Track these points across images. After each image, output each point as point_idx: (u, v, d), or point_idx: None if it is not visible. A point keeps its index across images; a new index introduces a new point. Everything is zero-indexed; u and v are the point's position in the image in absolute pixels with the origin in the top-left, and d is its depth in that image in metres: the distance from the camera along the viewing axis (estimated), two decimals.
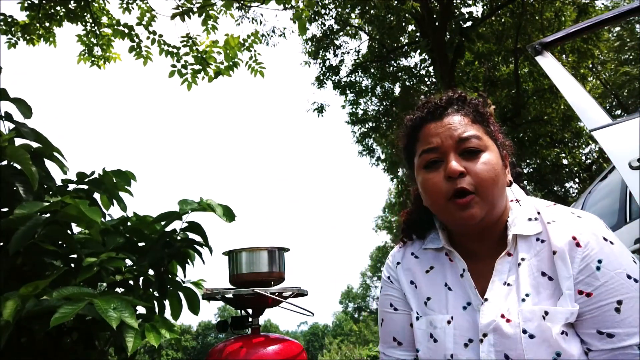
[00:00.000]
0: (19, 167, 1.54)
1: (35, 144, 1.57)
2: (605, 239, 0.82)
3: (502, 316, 0.83)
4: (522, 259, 0.86)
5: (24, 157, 1.40)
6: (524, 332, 0.80)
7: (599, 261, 0.80)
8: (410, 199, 1.07)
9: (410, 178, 0.99)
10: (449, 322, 0.89)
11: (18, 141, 1.52)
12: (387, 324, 1.02)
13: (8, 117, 1.52)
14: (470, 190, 0.83)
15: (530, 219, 0.89)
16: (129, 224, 1.77)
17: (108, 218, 1.80)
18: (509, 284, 0.86)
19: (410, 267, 1.00)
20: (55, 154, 1.61)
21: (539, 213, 0.89)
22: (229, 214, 1.68)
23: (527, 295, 0.83)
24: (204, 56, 4.27)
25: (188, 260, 1.79)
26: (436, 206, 0.88)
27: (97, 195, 1.76)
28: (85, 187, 1.71)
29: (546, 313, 0.81)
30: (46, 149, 1.58)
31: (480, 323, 0.85)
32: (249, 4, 4.14)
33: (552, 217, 0.88)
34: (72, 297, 1.28)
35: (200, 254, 1.79)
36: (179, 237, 1.74)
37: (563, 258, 0.82)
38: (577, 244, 0.82)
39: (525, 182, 1.17)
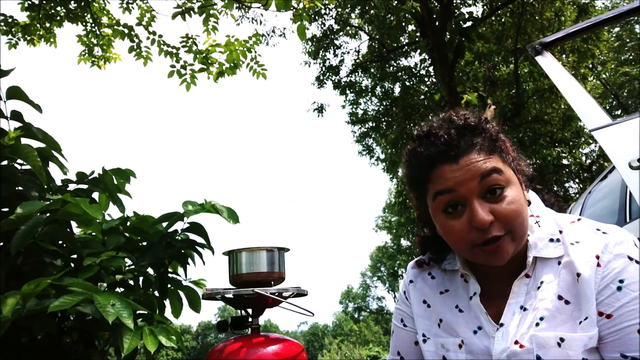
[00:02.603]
0: (19, 167, 1.55)
1: (37, 144, 1.57)
2: (630, 258, 0.77)
3: (516, 342, 0.80)
4: (542, 282, 0.82)
5: (32, 154, 1.40)
6: (538, 358, 0.77)
7: (621, 281, 0.76)
8: (420, 224, 0.99)
9: (417, 206, 0.92)
10: (460, 345, 0.87)
11: (22, 140, 1.52)
12: (395, 337, 1.04)
13: (18, 116, 1.52)
14: (501, 234, 0.78)
15: (552, 240, 0.84)
16: (128, 223, 1.77)
17: (107, 218, 1.80)
18: (525, 308, 0.82)
19: (425, 287, 0.98)
20: (56, 154, 1.61)
21: (560, 232, 0.84)
22: (233, 216, 1.67)
23: (541, 319, 0.79)
24: (207, 55, 4.27)
25: (189, 260, 1.79)
26: (461, 251, 0.84)
27: (95, 195, 1.76)
28: (85, 187, 1.71)
29: (562, 340, 0.77)
30: (48, 150, 1.58)
31: (494, 349, 0.82)
32: (248, 4, 4.13)
33: (575, 236, 0.82)
34: (72, 286, 1.28)
35: (200, 255, 1.79)
36: (180, 238, 1.74)
37: (588, 281, 0.77)
38: (598, 264, 0.77)
39: (536, 183, 1.08)
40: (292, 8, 3.26)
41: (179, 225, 1.73)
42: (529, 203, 0.87)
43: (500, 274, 0.87)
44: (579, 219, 0.86)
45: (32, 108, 1.58)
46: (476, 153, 0.80)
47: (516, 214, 0.78)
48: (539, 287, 0.82)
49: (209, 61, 4.30)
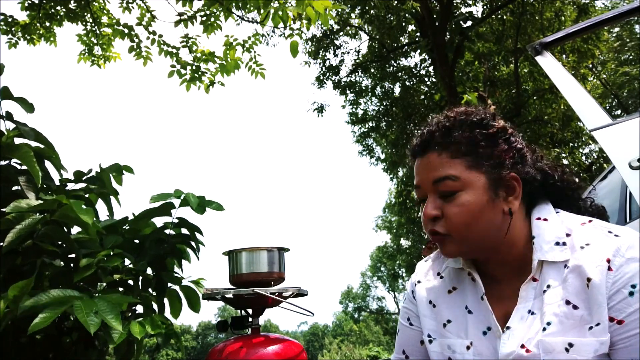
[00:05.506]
0: (19, 166, 1.55)
1: (34, 144, 1.57)
2: None
3: (522, 346, 0.79)
4: (548, 286, 0.81)
5: (28, 154, 1.40)
6: None
7: (633, 286, 0.74)
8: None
9: None
10: (468, 347, 0.86)
11: (17, 140, 1.52)
12: (401, 336, 1.03)
13: (8, 116, 1.52)
14: (442, 232, 0.84)
15: (557, 243, 0.82)
16: (127, 226, 1.77)
17: (106, 218, 1.80)
18: (533, 312, 0.81)
19: (432, 286, 0.98)
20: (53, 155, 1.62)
21: (568, 235, 0.83)
22: (198, 205, 1.66)
23: (548, 324, 0.78)
24: (199, 64, 4.29)
25: (184, 257, 1.79)
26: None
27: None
28: (84, 185, 1.71)
29: (570, 345, 0.76)
30: (46, 150, 1.58)
31: (501, 352, 0.81)
32: (247, 19, 4.17)
33: (586, 239, 0.81)
34: (57, 300, 1.27)
35: (194, 250, 1.78)
36: (172, 233, 1.74)
37: (599, 286, 0.75)
38: (609, 268, 0.76)
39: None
40: (288, 24, 3.26)
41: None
42: (511, 213, 0.84)
43: (504, 273, 0.87)
44: (590, 221, 0.84)
45: (34, 107, 1.58)
46: (437, 153, 0.86)
47: (459, 217, 0.82)
48: (544, 291, 0.81)
49: (200, 71, 4.32)
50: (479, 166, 0.83)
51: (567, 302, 0.78)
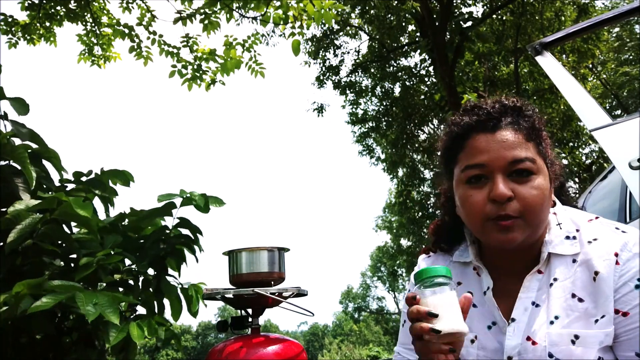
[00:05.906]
0: (18, 167, 1.55)
1: (34, 144, 1.57)
2: None
3: (528, 338, 0.80)
4: (555, 279, 0.82)
5: (23, 155, 1.40)
6: (550, 356, 0.77)
7: (639, 280, 0.76)
8: (437, 203, 0.98)
9: (440, 180, 0.94)
10: (472, 341, 0.86)
11: (16, 141, 1.52)
12: (407, 328, 1.02)
13: (4, 116, 1.52)
14: (515, 215, 0.78)
15: (568, 237, 0.84)
16: (126, 221, 1.76)
17: (103, 217, 1.80)
18: (537, 304, 0.82)
19: None
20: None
21: (577, 230, 0.84)
22: (205, 204, 1.65)
23: (556, 317, 0.79)
24: (200, 63, 4.30)
25: (184, 258, 1.79)
26: (474, 225, 0.84)
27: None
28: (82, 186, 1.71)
29: (576, 337, 0.77)
30: (44, 151, 1.58)
31: (507, 345, 0.82)
32: (247, 17, 4.18)
33: (593, 234, 0.82)
34: (57, 289, 1.28)
35: (194, 251, 1.78)
36: (171, 234, 1.73)
37: (606, 279, 0.77)
38: (617, 262, 0.78)
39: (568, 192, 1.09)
40: (289, 22, 3.26)
41: (169, 222, 1.73)
42: (554, 204, 0.87)
43: (513, 268, 0.87)
44: (596, 217, 0.86)
45: (34, 107, 1.58)
46: (514, 132, 0.81)
47: (536, 200, 0.78)
48: (551, 284, 0.82)
49: (201, 70, 4.33)
50: (542, 153, 0.84)
51: (573, 295, 0.79)
